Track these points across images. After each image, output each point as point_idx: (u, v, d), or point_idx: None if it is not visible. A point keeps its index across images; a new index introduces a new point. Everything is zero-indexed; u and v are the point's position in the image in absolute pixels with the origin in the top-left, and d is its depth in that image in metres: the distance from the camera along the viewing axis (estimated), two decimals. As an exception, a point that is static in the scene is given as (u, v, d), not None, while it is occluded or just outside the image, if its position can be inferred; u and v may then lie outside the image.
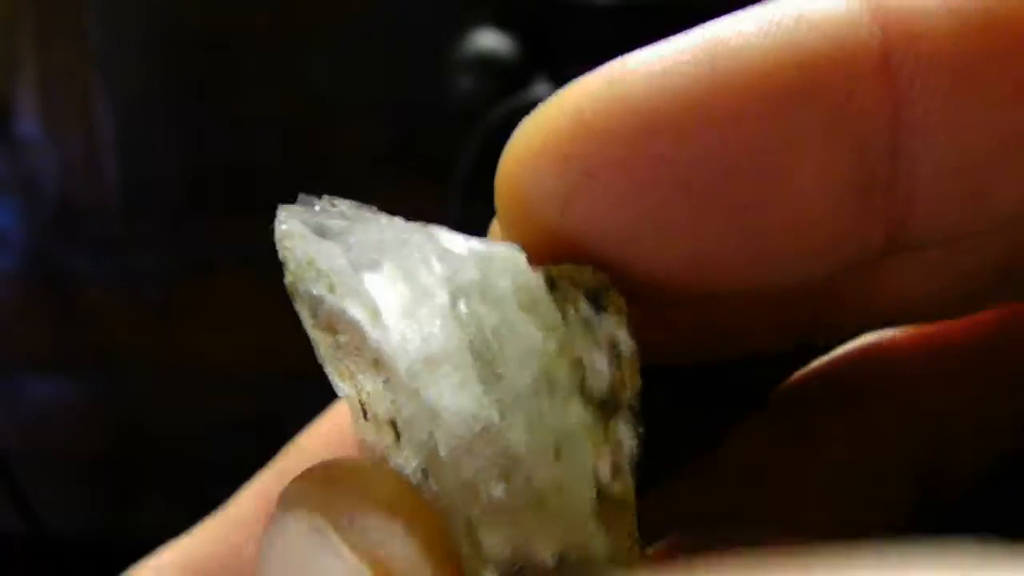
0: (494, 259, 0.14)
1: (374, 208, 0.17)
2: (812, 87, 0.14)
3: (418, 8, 0.55)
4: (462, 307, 0.14)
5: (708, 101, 0.14)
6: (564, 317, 0.14)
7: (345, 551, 0.14)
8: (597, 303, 0.15)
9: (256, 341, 0.58)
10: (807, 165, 0.15)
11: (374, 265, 0.15)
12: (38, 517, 0.60)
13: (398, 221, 0.16)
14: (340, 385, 0.17)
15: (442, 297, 0.14)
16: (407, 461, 0.15)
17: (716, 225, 0.15)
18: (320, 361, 0.17)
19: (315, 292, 0.16)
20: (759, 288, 0.16)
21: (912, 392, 0.20)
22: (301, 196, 0.17)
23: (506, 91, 0.50)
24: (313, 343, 0.16)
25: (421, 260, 0.15)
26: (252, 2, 0.57)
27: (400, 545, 0.14)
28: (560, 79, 0.57)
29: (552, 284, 0.14)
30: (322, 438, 0.19)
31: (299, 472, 0.19)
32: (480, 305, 0.14)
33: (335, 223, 0.16)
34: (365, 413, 0.16)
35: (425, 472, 0.15)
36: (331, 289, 0.15)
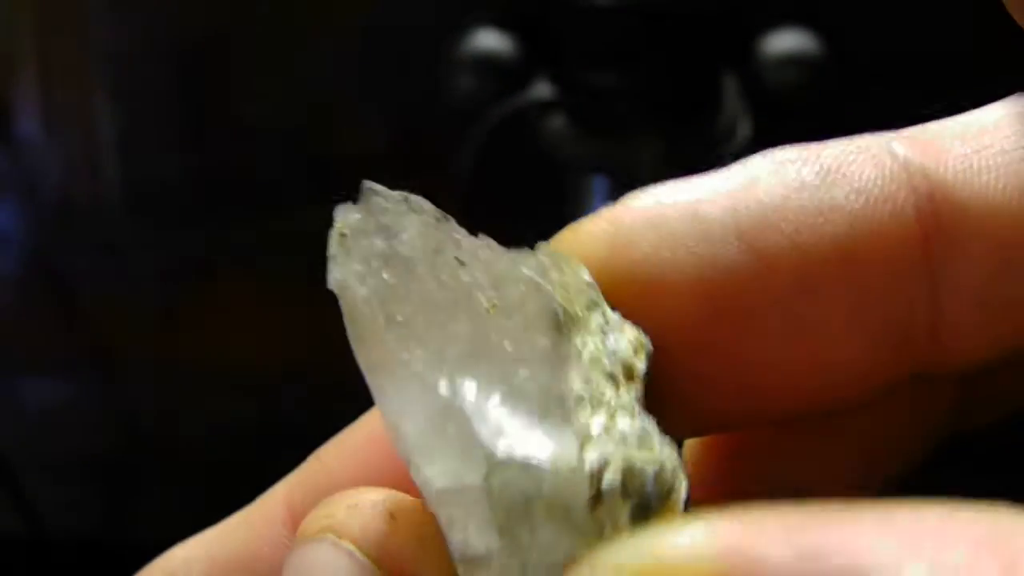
0: (534, 466, 0.14)
1: (449, 225, 0.16)
2: (849, 264, 0.16)
3: (418, 9, 0.55)
4: (496, 486, 0.14)
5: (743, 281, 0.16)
6: (601, 531, 0.14)
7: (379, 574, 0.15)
8: (643, 519, 0.14)
9: (256, 341, 0.58)
10: (835, 325, 0.17)
11: (408, 411, 0.15)
12: (38, 517, 0.60)
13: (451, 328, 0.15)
14: None
15: (477, 473, 0.14)
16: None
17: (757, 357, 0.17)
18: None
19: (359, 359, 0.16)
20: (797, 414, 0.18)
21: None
22: (368, 189, 0.16)
23: (506, 91, 0.50)
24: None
25: (458, 434, 0.14)
26: (252, 2, 0.57)
27: (432, 571, 0.15)
28: (560, 79, 0.57)
29: (596, 501, 0.14)
30: (345, 453, 0.19)
31: (320, 485, 0.19)
32: (516, 494, 0.14)
33: (387, 282, 0.15)
34: None
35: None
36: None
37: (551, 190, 0.52)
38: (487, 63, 0.51)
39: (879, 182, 0.16)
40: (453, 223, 0.16)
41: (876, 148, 0.17)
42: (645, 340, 0.16)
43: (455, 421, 0.14)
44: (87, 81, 0.59)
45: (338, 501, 0.16)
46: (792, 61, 0.50)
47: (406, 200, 0.16)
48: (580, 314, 0.16)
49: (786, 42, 0.51)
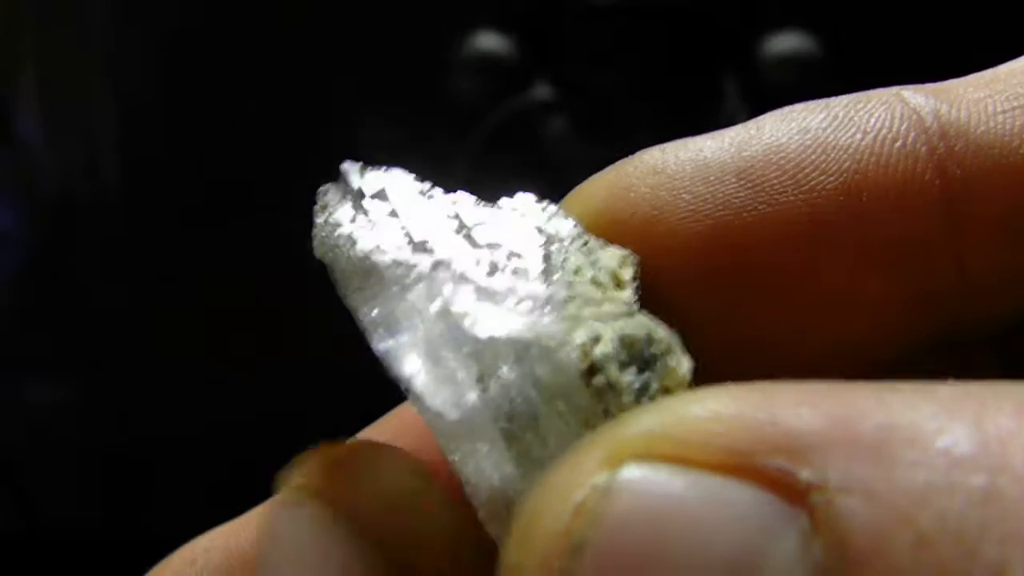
0: (529, 345, 0.14)
1: (422, 188, 0.16)
2: (855, 199, 0.16)
3: (419, 11, 0.55)
4: (492, 388, 0.14)
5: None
6: (605, 408, 0.14)
7: (350, 536, 0.15)
8: (645, 387, 0.14)
9: (256, 341, 0.58)
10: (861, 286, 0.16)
11: (397, 328, 0.15)
12: (38, 517, 0.60)
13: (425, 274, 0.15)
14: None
15: (470, 375, 0.14)
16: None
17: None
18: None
19: (349, 303, 0.16)
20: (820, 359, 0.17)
21: None
22: (346, 167, 0.16)
23: (506, 92, 0.50)
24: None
25: (448, 337, 0.14)
26: (253, 3, 0.57)
27: (407, 532, 0.15)
28: (560, 81, 0.57)
29: (591, 372, 0.14)
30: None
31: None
32: (513, 389, 0.14)
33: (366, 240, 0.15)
34: None
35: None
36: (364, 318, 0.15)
37: (551, 191, 0.52)
38: (488, 65, 0.51)
39: (888, 122, 0.16)
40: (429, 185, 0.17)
41: (887, 96, 0.17)
42: (630, 254, 0.16)
43: (447, 329, 0.14)
44: (87, 81, 0.59)
45: (322, 458, 0.16)
46: (792, 62, 0.50)
47: (385, 169, 0.17)
48: (556, 233, 0.16)
49: (786, 43, 0.51)
